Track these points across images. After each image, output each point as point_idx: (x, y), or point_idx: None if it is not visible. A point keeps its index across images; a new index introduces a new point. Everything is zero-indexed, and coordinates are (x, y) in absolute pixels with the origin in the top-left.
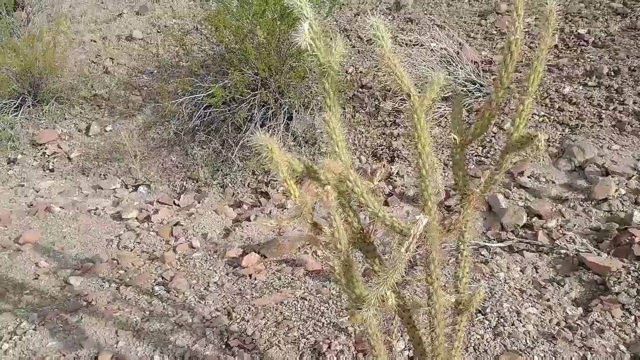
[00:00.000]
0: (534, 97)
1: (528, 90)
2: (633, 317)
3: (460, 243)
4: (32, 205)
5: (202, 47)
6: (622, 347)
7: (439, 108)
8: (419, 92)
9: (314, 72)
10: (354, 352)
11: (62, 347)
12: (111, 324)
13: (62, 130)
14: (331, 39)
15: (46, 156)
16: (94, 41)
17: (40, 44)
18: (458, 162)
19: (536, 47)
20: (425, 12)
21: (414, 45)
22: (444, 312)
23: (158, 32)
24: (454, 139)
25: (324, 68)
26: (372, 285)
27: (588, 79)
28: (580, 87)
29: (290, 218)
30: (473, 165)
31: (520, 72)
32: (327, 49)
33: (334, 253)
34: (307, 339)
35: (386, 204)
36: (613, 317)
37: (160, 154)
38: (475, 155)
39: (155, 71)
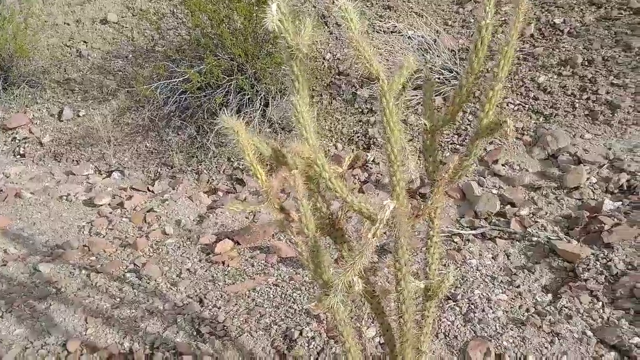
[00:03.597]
0: (507, 84)
1: (498, 75)
2: (600, 303)
3: (430, 229)
4: (1, 190)
5: (178, 32)
6: (589, 333)
7: (415, 96)
8: (390, 77)
9: (283, 54)
10: (326, 339)
11: (30, 334)
12: (80, 311)
13: (33, 115)
14: (300, 21)
15: (17, 141)
16: (67, 24)
17: (11, 25)
18: (429, 147)
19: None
20: None
21: (391, 32)
22: (413, 299)
23: (133, 15)
24: (425, 125)
25: (292, 50)
26: (340, 271)
27: (563, 68)
28: (555, 77)
29: (258, 203)
30: (448, 153)
31: (495, 60)
32: (296, 31)
33: (302, 238)
34: (279, 325)
35: (361, 191)
36: (581, 303)
37: (135, 139)
38: (451, 144)
39: (130, 55)
